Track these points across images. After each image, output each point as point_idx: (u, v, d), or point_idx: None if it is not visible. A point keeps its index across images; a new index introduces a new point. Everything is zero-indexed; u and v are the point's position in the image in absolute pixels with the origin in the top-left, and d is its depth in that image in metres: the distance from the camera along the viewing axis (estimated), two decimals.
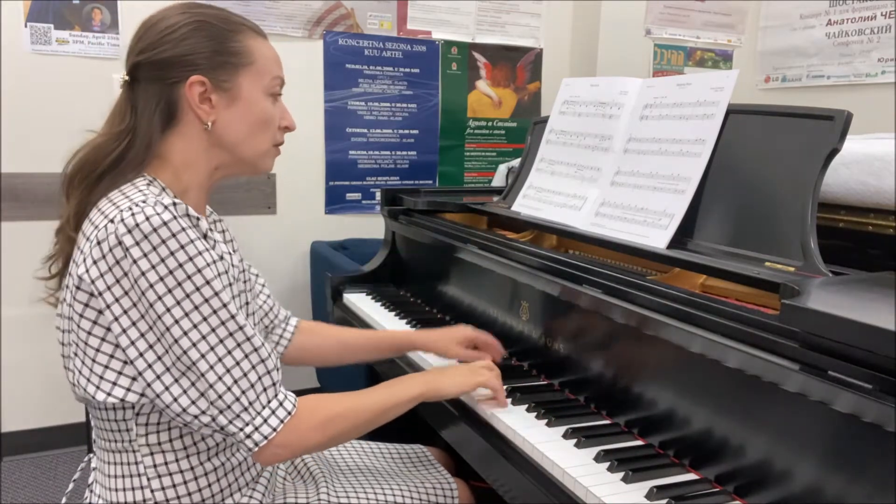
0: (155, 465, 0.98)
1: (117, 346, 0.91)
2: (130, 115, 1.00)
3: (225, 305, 0.91)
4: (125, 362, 0.92)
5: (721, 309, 0.91)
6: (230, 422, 0.91)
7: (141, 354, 0.90)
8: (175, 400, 0.90)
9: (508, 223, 1.70)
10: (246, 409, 0.92)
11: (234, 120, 1.02)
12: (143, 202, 0.89)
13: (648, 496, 0.86)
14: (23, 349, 2.40)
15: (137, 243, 0.87)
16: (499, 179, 2.25)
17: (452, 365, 1.22)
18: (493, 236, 1.51)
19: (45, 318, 2.36)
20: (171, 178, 1.01)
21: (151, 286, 0.87)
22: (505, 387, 1.19)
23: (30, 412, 2.45)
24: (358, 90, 2.75)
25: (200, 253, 0.90)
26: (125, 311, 0.89)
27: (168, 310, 0.88)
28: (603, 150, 1.44)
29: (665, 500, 0.85)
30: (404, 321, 1.62)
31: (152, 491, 0.98)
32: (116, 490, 0.99)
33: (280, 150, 1.11)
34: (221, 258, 0.96)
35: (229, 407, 0.91)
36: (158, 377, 0.90)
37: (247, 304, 1.05)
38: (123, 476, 0.98)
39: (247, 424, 0.92)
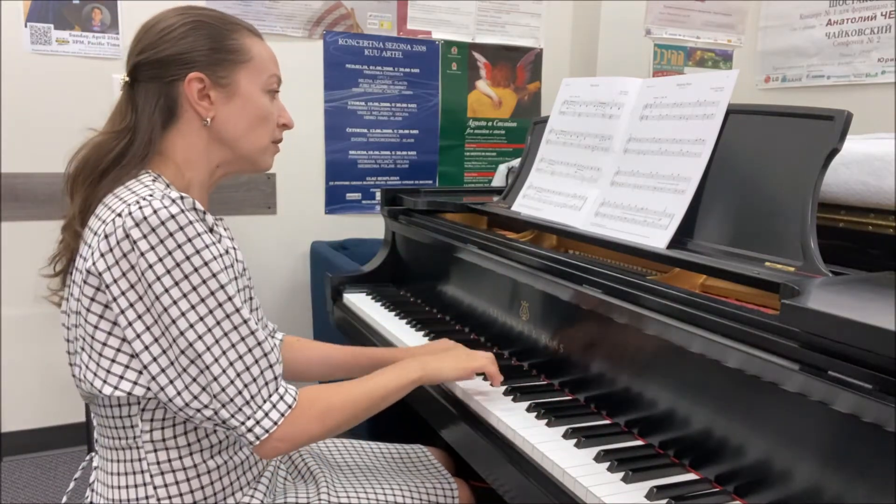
0: (158, 462, 0.98)
1: (124, 339, 0.92)
2: (131, 113, 1.02)
3: (230, 298, 0.92)
4: (132, 356, 0.93)
5: (721, 309, 0.91)
6: (232, 415, 0.92)
7: (146, 347, 0.91)
8: (178, 394, 0.92)
9: (508, 223, 1.70)
10: (248, 402, 0.92)
11: (232, 116, 1.04)
12: (151, 196, 0.91)
13: (648, 496, 0.86)
14: (23, 349, 2.40)
15: (145, 236, 0.88)
16: (499, 179, 2.24)
17: (451, 350, 1.22)
18: (493, 236, 1.51)
19: (45, 318, 2.39)
20: (173, 174, 1.03)
21: (158, 279, 0.89)
22: (505, 386, 1.19)
23: (30, 412, 2.45)
24: (358, 90, 2.75)
25: (207, 246, 0.91)
26: (131, 304, 0.90)
27: (174, 302, 0.89)
28: (603, 150, 1.44)
29: (665, 500, 0.85)
30: (404, 321, 1.62)
31: (155, 488, 0.98)
32: (119, 487, 0.99)
33: (279, 147, 1.13)
34: (227, 252, 0.97)
35: (232, 400, 0.92)
36: (163, 370, 0.91)
37: (251, 298, 1.06)
38: (126, 473, 0.99)
39: (248, 418, 0.92)
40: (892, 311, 0.76)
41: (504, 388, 1.19)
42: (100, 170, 0.99)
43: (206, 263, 0.91)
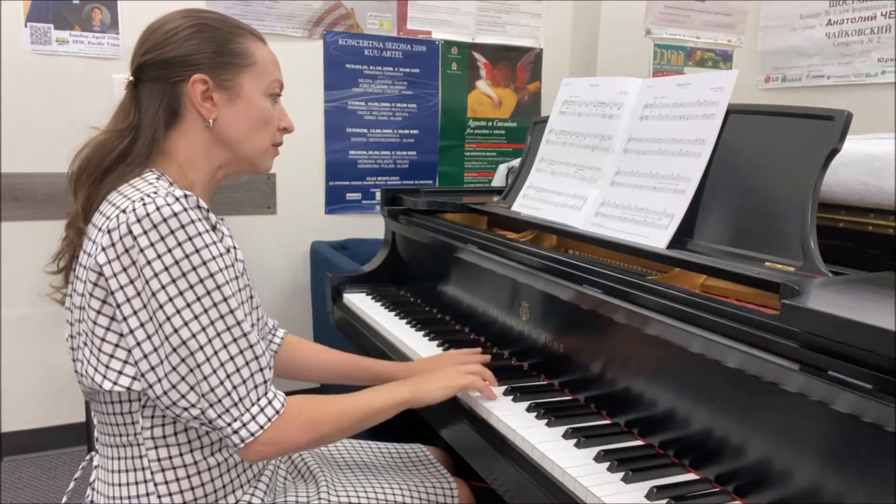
0: (159, 459, 0.99)
1: (122, 334, 0.93)
2: (134, 113, 1.03)
3: (226, 299, 0.92)
4: (129, 350, 0.93)
5: (721, 309, 0.91)
6: (219, 416, 0.92)
7: (138, 343, 0.92)
8: (166, 392, 0.92)
9: (508, 223, 1.70)
10: (236, 404, 0.93)
11: (234, 118, 1.06)
12: (155, 193, 0.92)
13: (648, 496, 0.86)
14: (23, 349, 2.40)
15: (146, 232, 0.89)
16: (499, 179, 2.24)
17: (439, 368, 1.21)
18: (493, 236, 1.51)
19: (45, 318, 2.39)
20: (177, 173, 1.04)
21: (156, 275, 0.89)
22: (505, 386, 1.19)
23: (30, 412, 2.45)
24: (358, 90, 2.76)
25: (207, 246, 0.92)
26: (128, 300, 0.91)
27: (170, 299, 0.90)
28: (603, 150, 1.44)
29: (665, 500, 0.85)
30: (404, 321, 1.62)
31: (156, 485, 0.98)
32: (120, 485, 0.99)
33: (279, 150, 1.15)
34: (229, 251, 0.98)
35: (220, 401, 0.92)
36: (152, 368, 0.92)
37: (251, 297, 1.06)
38: (127, 470, 0.99)
39: (235, 420, 0.93)
40: (892, 311, 0.76)
41: (504, 388, 1.19)
42: (103, 168, 1.00)
43: (204, 263, 0.91)
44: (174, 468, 0.99)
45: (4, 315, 2.37)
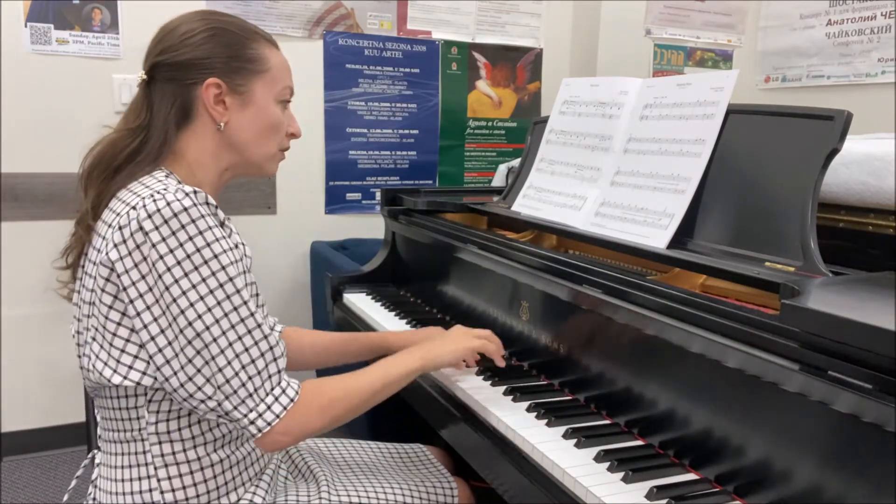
0: (163, 455, 0.99)
1: (133, 329, 0.94)
2: (146, 112, 1.04)
3: (238, 291, 0.93)
4: (140, 346, 0.94)
5: (721, 309, 0.91)
6: (235, 407, 0.93)
7: (152, 338, 0.92)
8: (182, 385, 0.93)
9: (508, 223, 1.70)
10: (251, 395, 0.94)
11: (245, 122, 1.07)
12: (164, 190, 0.93)
13: (648, 496, 0.86)
14: (23, 349, 2.40)
15: (157, 227, 0.90)
16: (499, 179, 2.25)
17: (446, 334, 1.22)
18: (493, 236, 1.51)
19: (45, 317, 2.39)
20: (185, 173, 1.05)
21: (168, 269, 0.90)
22: (505, 386, 1.19)
23: (30, 412, 2.45)
24: (358, 90, 2.75)
25: (217, 240, 0.93)
26: (140, 295, 0.92)
27: (184, 293, 0.91)
28: (603, 150, 1.44)
29: (665, 500, 0.85)
30: (404, 321, 1.62)
31: (159, 480, 0.99)
32: (123, 481, 1.00)
33: (285, 155, 1.16)
34: (237, 247, 0.99)
35: (235, 392, 0.93)
36: (167, 361, 0.93)
37: (257, 295, 1.07)
38: (130, 466, 1.00)
39: (251, 410, 0.94)
40: (892, 311, 0.76)
41: (504, 388, 1.19)
42: (114, 166, 1.01)
43: (215, 256, 0.92)
44: (178, 464, 1.00)
45: (4, 315, 2.37)
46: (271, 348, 0.96)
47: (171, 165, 1.04)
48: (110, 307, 0.94)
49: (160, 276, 0.90)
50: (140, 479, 0.99)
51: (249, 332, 0.94)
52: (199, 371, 0.92)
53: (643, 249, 1.20)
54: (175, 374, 0.93)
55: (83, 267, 1.01)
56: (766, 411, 0.83)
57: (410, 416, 1.20)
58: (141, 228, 0.90)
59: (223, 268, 0.93)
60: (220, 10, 2.50)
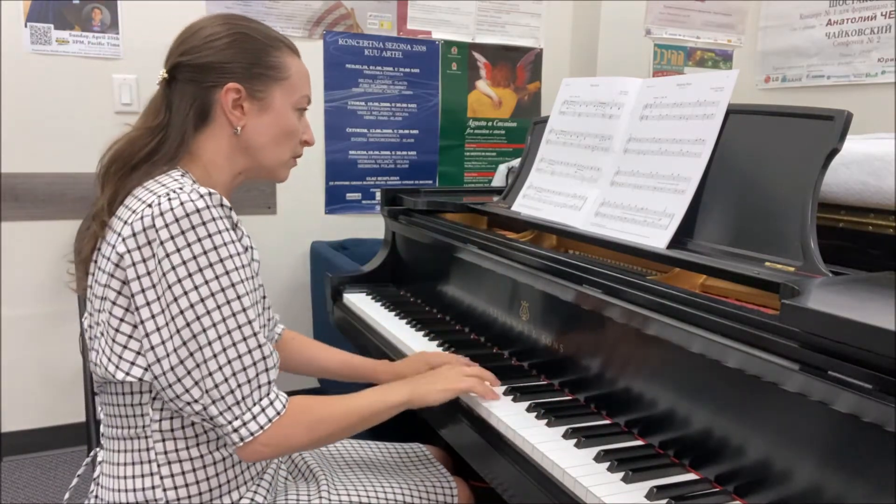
0: (166, 452, 1.00)
1: (135, 324, 0.95)
2: (165, 111, 1.05)
3: (239, 297, 0.94)
4: (141, 340, 0.95)
5: (721, 309, 0.91)
6: (220, 413, 0.93)
7: (148, 334, 0.93)
8: (170, 385, 0.93)
9: (508, 223, 1.70)
10: (238, 402, 0.94)
11: (261, 128, 1.08)
12: (180, 189, 0.94)
13: (648, 496, 0.86)
14: (23, 349, 2.40)
15: (167, 226, 0.91)
16: (499, 179, 2.25)
17: (438, 370, 1.21)
18: (493, 236, 1.51)
19: (45, 317, 2.39)
20: (201, 174, 1.06)
21: (173, 268, 0.91)
22: (505, 386, 1.19)
23: (30, 412, 2.45)
24: (358, 90, 2.76)
25: (226, 244, 0.94)
26: (143, 290, 0.93)
27: (185, 293, 0.91)
28: (603, 150, 1.44)
29: (665, 500, 0.85)
30: (404, 321, 1.62)
31: (161, 478, 1.00)
32: (125, 478, 1.01)
33: (297, 162, 1.18)
34: (246, 251, 1.00)
35: (222, 398, 0.93)
36: (159, 360, 0.93)
37: (263, 298, 1.08)
38: (133, 463, 1.01)
39: (236, 418, 0.94)
40: (892, 311, 0.76)
41: (504, 388, 1.19)
42: (131, 164, 1.02)
43: (221, 260, 0.93)
44: (180, 461, 1.00)
45: (4, 315, 2.37)
46: (264, 358, 0.96)
47: (186, 165, 1.05)
48: (114, 302, 0.95)
49: (164, 274, 0.91)
50: (143, 476, 1.00)
51: (245, 339, 0.94)
52: (188, 373, 0.92)
53: (643, 249, 1.20)
54: (164, 373, 0.93)
55: (95, 262, 1.02)
56: (766, 411, 0.83)
57: (410, 415, 1.20)
58: (153, 225, 0.91)
59: (227, 273, 0.93)
60: (220, 10, 2.51)
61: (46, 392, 2.44)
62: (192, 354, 0.92)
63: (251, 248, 1.03)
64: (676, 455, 0.96)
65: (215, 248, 0.93)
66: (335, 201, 2.80)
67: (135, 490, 1.00)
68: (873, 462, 0.70)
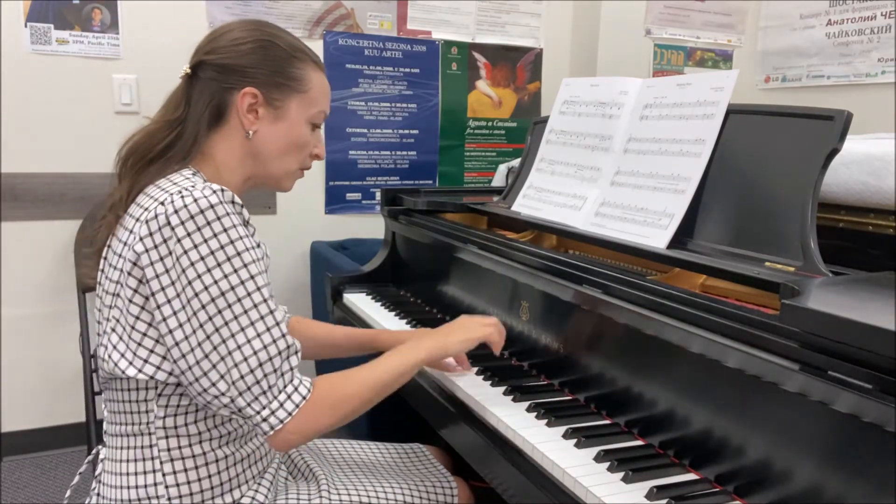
0: (169, 449, 1.01)
1: (151, 323, 0.96)
2: (184, 106, 1.07)
3: (259, 289, 0.95)
4: (157, 340, 0.96)
5: (721, 309, 0.91)
6: (248, 404, 0.94)
7: (171, 331, 0.94)
8: (197, 380, 0.94)
9: (508, 223, 1.70)
10: (265, 392, 0.95)
11: (273, 136, 1.10)
12: (192, 187, 0.95)
13: (648, 496, 0.86)
14: (23, 349, 2.40)
15: (183, 223, 0.92)
16: (499, 179, 2.25)
17: (455, 321, 1.23)
18: (493, 236, 1.51)
19: (45, 318, 2.39)
20: (212, 173, 1.07)
21: (192, 264, 0.92)
22: (505, 386, 1.19)
23: (30, 412, 2.45)
24: (358, 90, 2.75)
25: (241, 237, 0.95)
26: (163, 288, 0.93)
27: (206, 288, 0.92)
28: (603, 150, 1.44)
29: (665, 500, 0.85)
30: (404, 321, 1.62)
31: (164, 475, 1.00)
32: (128, 474, 1.01)
33: (304, 174, 1.18)
34: (259, 245, 1.01)
35: (249, 389, 0.94)
36: (184, 355, 0.94)
37: (272, 296, 1.07)
38: (136, 460, 1.01)
39: (264, 408, 0.95)
40: (892, 311, 0.76)
41: (504, 388, 1.19)
42: (148, 158, 1.03)
43: (238, 253, 0.94)
44: (183, 458, 1.01)
45: (4, 315, 2.37)
46: (288, 347, 0.97)
47: (198, 165, 1.06)
48: (130, 300, 0.96)
49: (184, 271, 0.92)
50: (145, 472, 1.00)
51: (268, 329, 0.95)
52: (214, 367, 0.93)
53: (643, 249, 1.20)
54: (190, 368, 0.94)
55: (106, 258, 1.03)
56: (766, 411, 0.83)
57: (410, 415, 1.20)
58: (168, 223, 0.92)
59: (245, 265, 0.94)
60: (220, 10, 2.51)
61: (46, 392, 2.44)
62: (216, 348, 0.93)
63: (262, 244, 1.04)
64: (676, 455, 0.96)
65: (231, 242, 0.94)
66: (335, 201, 2.80)
67: (137, 487, 1.00)
68: (873, 462, 0.70)
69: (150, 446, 1.01)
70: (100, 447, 1.12)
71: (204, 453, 1.02)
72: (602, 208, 1.36)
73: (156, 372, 0.97)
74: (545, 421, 1.08)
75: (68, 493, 1.22)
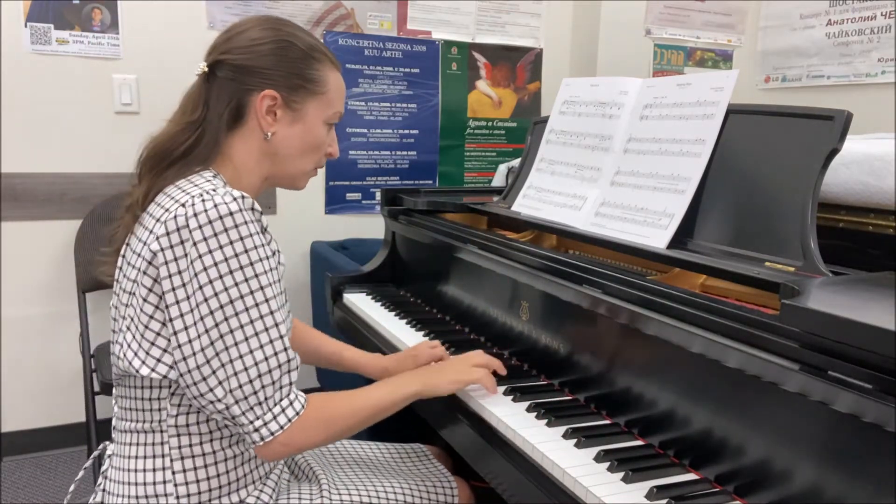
0: (180, 447, 1.01)
1: (164, 322, 0.96)
2: (203, 107, 1.06)
3: (267, 300, 0.95)
4: (169, 338, 0.96)
5: (721, 309, 0.91)
6: (243, 413, 0.95)
7: (175, 332, 0.94)
8: (195, 383, 0.95)
9: (508, 223, 1.70)
10: (260, 403, 0.95)
11: (290, 137, 1.10)
12: (213, 191, 0.95)
13: (648, 496, 0.86)
14: (23, 349, 2.40)
15: (201, 227, 0.92)
16: (499, 179, 2.24)
17: (448, 361, 1.24)
18: (493, 236, 1.51)
19: (45, 318, 2.39)
20: (231, 175, 1.08)
21: (205, 269, 0.92)
22: (505, 386, 1.19)
23: (30, 412, 2.45)
24: (358, 90, 2.75)
25: (256, 247, 0.95)
26: (174, 289, 0.94)
27: (215, 294, 0.92)
28: (603, 150, 1.44)
29: (665, 500, 0.85)
30: (404, 321, 1.62)
31: (174, 473, 1.01)
32: (136, 471, 1.01)
33: (318, 172, 1.19)
34: (275, 254, 1.02)
35: (245, 398, 0.94)
36: (185, 358, 0.94)
37: (286, 302, 1.09)
38: (146, 457, 1.02)
39: (257, 418, 0.95)
40: (892, 311, 0.76)
41: (504, 388, 1.19)
42: (168, 161, 1.03)
43: (251, 263, 0.94)
44: (193, 457, 1.01)
45: (4, 315, 2.37)
46: (289, 361, 0.98)
47: (218, 167, 1.06)
48: (145, 299, 0.96)
49: (196, 275, 0.92)
50: (154, 470, 1.01)
51: (272, 341, 0.95)
52: (213, 372, 0.94)
53: (643, 249, 1.20)
54: (190, 371, 0.94)
55: (124, 256, 1.03)
56: (766, 411, 0.83)
57: (410, 415, 1.20)
58: (187, 225, 0.92)
59: (257, 275, 0.95)
60: (220, 10, 2.51)
61: (46, 392, 2.44)
62: (217, 354, 0.93)
63: (278, 252, 1.04)
64: (676, 455, 0.96)
65: (246, 251, 0.94)
66: (335, 201, 2.80)
67: (146, 483, 1.01)
68: (873, 462, 0.70)
69: (162, 443, 1.01)
70: (106, 443, 1.12)
71: (214, 452, 1.02)
72: (602, 208, 1.36)
73: (168, 371, 0.97)
74: (545, 421, 1.08)
75: (72, 486, 1.22)
